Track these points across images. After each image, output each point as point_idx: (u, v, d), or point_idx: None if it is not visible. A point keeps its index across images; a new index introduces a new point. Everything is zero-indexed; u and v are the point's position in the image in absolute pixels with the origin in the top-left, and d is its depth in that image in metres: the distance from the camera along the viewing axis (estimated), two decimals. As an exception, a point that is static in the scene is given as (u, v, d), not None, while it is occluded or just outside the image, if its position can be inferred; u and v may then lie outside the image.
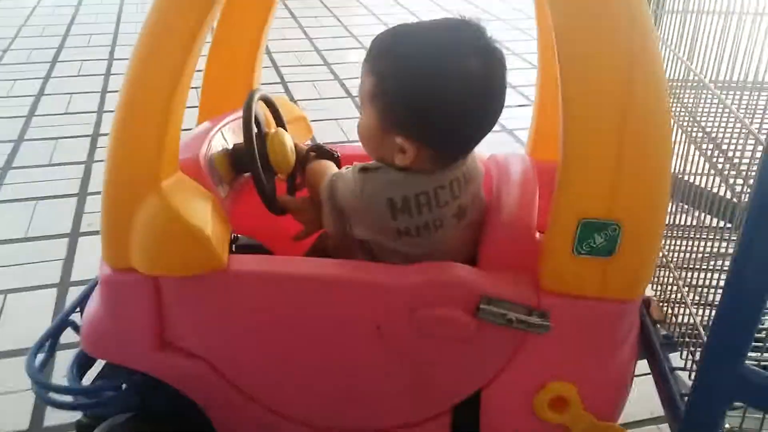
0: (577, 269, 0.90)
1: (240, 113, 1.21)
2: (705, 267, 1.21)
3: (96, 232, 1.96)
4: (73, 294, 1.71)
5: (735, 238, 0.86)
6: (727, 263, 1.09)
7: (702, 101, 1.23)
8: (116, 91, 2.91)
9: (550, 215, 0.92)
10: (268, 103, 1.18)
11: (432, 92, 0.91)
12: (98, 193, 2.16)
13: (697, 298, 1.11)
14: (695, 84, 1.21)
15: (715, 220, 1.29)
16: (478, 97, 0.93)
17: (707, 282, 1.11)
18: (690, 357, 1.00)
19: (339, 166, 1.15)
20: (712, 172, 1.05)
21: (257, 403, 1.02)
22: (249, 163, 1.07)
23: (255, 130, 1.08)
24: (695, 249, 1.17)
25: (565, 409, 0.96)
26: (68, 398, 1.09)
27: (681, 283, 1.11)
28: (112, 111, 2.73)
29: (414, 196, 0.95)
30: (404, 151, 0.94)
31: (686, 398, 0.94)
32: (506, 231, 0.98)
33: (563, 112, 0.84)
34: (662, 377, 1.01)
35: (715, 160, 1.06)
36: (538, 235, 0.97)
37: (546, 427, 0.97)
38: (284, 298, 0.96)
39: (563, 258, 0.89)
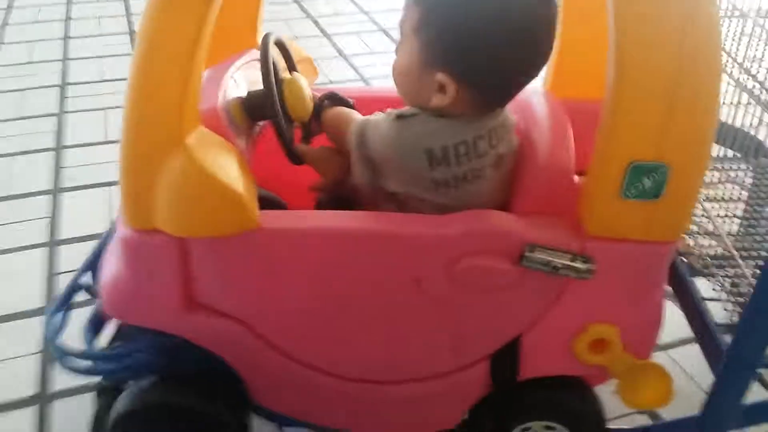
0: (624, 213, 0.88)
1: (250, 56, 1.15)
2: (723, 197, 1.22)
3: (79, 188, 1.88)
4: (64, 253, 1.65)
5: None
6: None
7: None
8: (78, 38, 2.89)
9: (593, 158, 0.90)
10: (281, 46, 1.12)
11: (482, 25, 0.87)
12: (75, 146, 2.12)
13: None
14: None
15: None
16: (529, 37, 0.89)
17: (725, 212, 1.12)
18: (722, 287, 1.01)
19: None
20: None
21: (294, 360, 0.99)
22: (268, 112, 1.02)
23: (272, 76, 1.02)
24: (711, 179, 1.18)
25: (605, 350, 0.96)
26: (88, 363, 1.05)
27: (706, 214, 1.12)
28: (76, 59, 2.66)
29: (453, 146, 0.92)
30: (444, 90, 0.90)
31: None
32: (544, 174, 0.95)
33: (616, 54, 0.81)
34: (696, 308, 1.02)
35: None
36: (576, 177, 0.96)
37: (585, 367, 0.98)
38: (320, 255, 0.93)
39: (610, 202, 0.88)
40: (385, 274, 0.94)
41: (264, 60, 1.02)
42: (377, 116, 0.97)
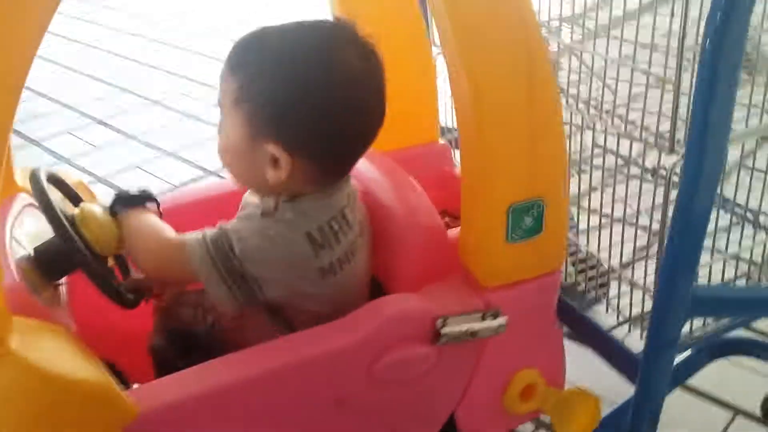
0: (513, 256, 0.87)
1: (20, 203, 0.95)
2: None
3: None
4: None
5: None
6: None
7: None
8: None
9: (466, 211, 0.88)
10: (51, 179, 0.90)
11: (304, 92, 0.81)
12: None
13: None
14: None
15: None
16: (354, 101, 0.84)
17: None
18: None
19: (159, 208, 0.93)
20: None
21: None
22: (74, 262, 0.83)
23: (62, 218, 0.82)
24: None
25: (533, 394, 0.94)
26: None
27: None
28: None
29: (327, 224, 0.85)
30: (278, 163, 0.83)
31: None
32: (419, 240, 0.91)
33: (473, 109, 0.80)
34: (596, 332, 1.05)
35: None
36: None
37: (520, 418, 0.95)
38: (223, 416, 0.78)
39: (498, 250, 0.86)
40: (302, 408, 0.82)
41: (44, 203, 0.82)
42: (230, 225, 0.85)
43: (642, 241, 1.05)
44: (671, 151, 0.87)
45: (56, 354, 0.70)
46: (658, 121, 0.89)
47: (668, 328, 0.88)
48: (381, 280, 0.99)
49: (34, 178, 0.85)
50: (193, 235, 0.85)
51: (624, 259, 1.05)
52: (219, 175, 2.17)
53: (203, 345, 0.98)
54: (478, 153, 0.82)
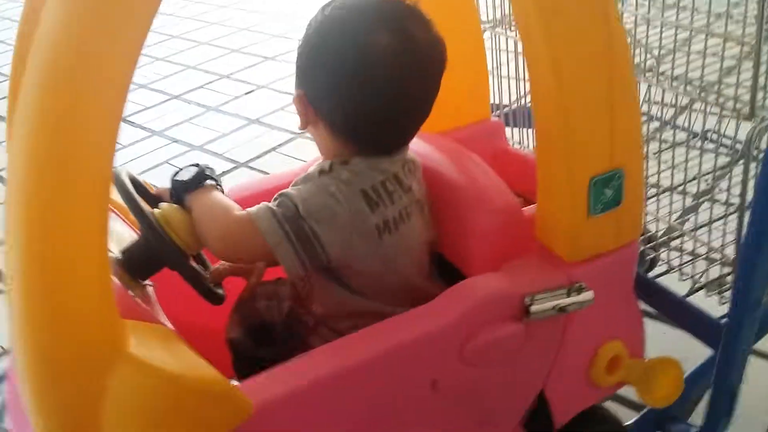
0: (595, 230, 0.87)
1: None
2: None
3: None
4: None
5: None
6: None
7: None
8: None
9: (544, 187, 0.88)
10: (131, 179, 0.89)
11: (328, 54, 0.86)
12: None
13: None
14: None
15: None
16: (386, 72, 0.84)
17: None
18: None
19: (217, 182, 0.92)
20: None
21: None
22: (163, 262, 0.84)
23: (153, 220, 0.83)
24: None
25: (618, 366, 0.94)
26: None
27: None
28: None
29: (381, 183, 0.87)
30: (307, 114, 0.89)
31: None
32: (499, 219, 0.91)
33: (554, 82, 0.79)
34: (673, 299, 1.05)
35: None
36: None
37: (607, 390, 0.95)
38: (328, 404, 0.78)
39: (580, 225, 0.86)
40: (400, 392, 0.82)
41: (134, 206, 0.82)
42: (290, 190, 0.87)
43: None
44: (751, 117, 0.86)
45: (169, 353, 0.70)
46: (737, 85, 0.88)
47: (753, 291, 0.88)
48: (453, 260, 0.98)
49: (118, 180, 0.85)
50: (255, 207, 0.86)
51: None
52: (249, 167, 2.17)
53: (281, 335, 0.99)
54: (558, 126, 0.81)
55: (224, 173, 2.15)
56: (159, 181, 0.93)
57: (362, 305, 0.90)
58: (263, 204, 0.85)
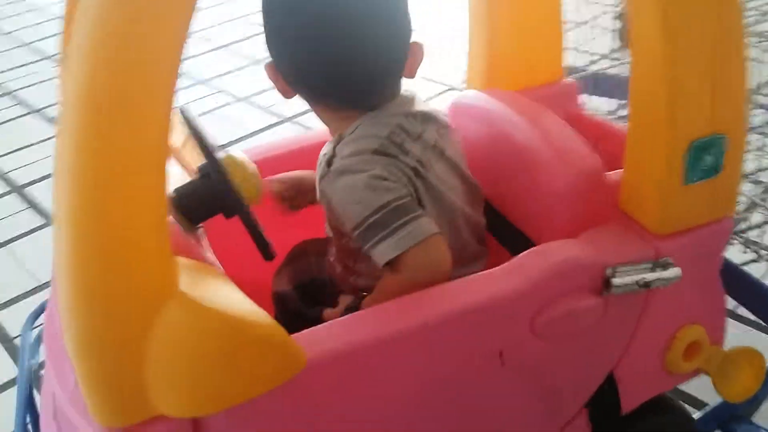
0: (688, 200, 0.79)
1: None
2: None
3: None
4: None
5: None
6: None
7: None
8: None
9: (636, 152, 0.80)
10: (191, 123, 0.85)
11: (274, 15, 0.82)
12: None
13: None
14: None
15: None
16: (311, 21, 0.79)
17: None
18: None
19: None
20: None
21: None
22: (220, 206, 0.79)
23: (219, 160, 0.79)
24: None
25: (697, 352, 0.86)
26: None
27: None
28: None
29: (387, 137, 0.82)
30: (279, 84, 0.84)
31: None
32: (579, 181, 0.82)
33: (657, 34, 0.71)
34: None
35: None
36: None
37: (681, 377, 0.88)
38: (385, 367, 0.72)
39: (674, 194, 0.78)
40: (464, 359, 0.75)
41: (202, 142, 0.78)
42: (351, 214, 0.80)
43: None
44: None
45: (224, 296, 0.64)
46: None
47: None
48: (522, 226, 0.91)
49: (187, 117, 0.80)
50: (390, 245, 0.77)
51: None
52: (294, 122, 2.10)
53: (330, 293, 0.93)
54: (660, 82, 0.73)
55: (269, 127, 2.09)
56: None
57: None
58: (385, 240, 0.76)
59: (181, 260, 0.66)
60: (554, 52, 1.11)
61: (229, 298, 0.66)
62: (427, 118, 0.87)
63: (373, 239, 0.76)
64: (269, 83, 0.87)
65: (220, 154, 0.82)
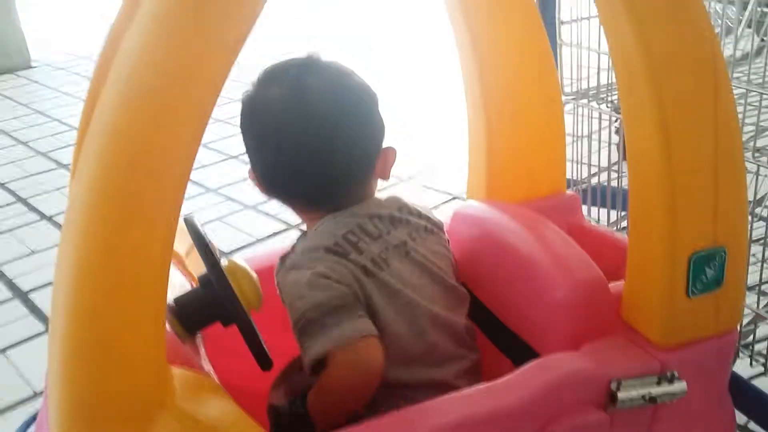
0: (692, 312, 0.78)
1: None
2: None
3: None
4: None
5: None
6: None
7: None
8: None
9: (638, 263, 0.80)
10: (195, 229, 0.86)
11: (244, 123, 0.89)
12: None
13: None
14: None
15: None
16: (272, 125, 0.85)
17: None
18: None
19: None
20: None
21: None
22: (218, 315, 0.79)
23: (222, 268, 0.80)
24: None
25: (707, 472, 0.83)
26: None
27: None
28: None
29: (342, 236, 0.85)
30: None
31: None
32: (580, 294, 0.82)
33: (658, 148, 0.72)
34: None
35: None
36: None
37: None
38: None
39: (677, 305, 0.77)
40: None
41: (205, 251, 0.79)
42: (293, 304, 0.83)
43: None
44: None
45: (219, 409, 0.63)
46: None
47: None
48: (524, 335, 0.90)
49: (191, 224, 0.82)
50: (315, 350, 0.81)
51: None
52: (300, 229, 2.12)
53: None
54: (661, 194, 0.74)
55: (275, 234, 2.11)
56: (210, 236, 0.92)
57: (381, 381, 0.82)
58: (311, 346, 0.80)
59: (176, 370, 0.65)
60: (556, 164, 1.13)
61: (224, 412, 0.64)
62: (397, 221, 0.90)
63: (306, 335, 0.79)
64: None
65: (223, 262, 0.82)
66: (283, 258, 0.87)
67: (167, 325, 0.72)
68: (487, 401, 0.73)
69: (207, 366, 0.77)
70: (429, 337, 0.85)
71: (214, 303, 0.79)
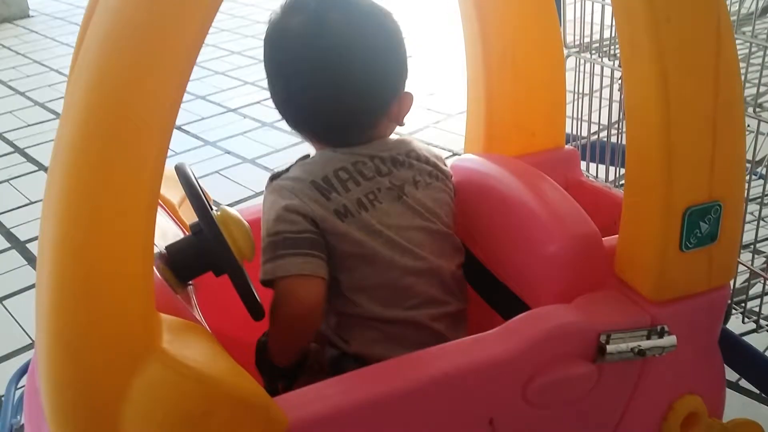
0: (685, 267, 0.78)
1: None
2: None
3: None
4: None
5: None
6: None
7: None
8: None
9: (633, 216, 0.79)
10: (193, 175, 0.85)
11: (264, 49, 0.88)
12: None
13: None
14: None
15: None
16: (289, 59, 0.84)
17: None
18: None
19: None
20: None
21: None
22: (211, 263, 0.79)
23: (213, 216, 0.79)
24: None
25: (694, 425, 0.83)
26: None
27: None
28: None
29: (333, 173, 0.85)
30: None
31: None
32: (575, 247, 0.82)
33: (655, 99, 0.71)
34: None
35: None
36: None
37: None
38: (366, 430, 0.70)
39: (670, 260, 0.77)
40: (452, 425, 0.73)
41: (196, 198, 0.78)
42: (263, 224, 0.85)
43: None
44: None
45: (207, 355, 0.62)
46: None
47: None
48: (517, 289, 0.90)
49: (182, 172, 0.81)
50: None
51: None
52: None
53: (315, 357, 0.91)
54: (657, 147, 0.73)
55: (273, 188, 2.11)
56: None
57: (357, 311, 0.85)
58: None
59: (165, 317, 0.65)
60: (555, 119, 1.11)
61: (212, 358, 0.64)
62: (400, 164, 0.89)
63: (264, 255, 0.82)
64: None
65: (214, 211, 0.82)
66: (275, 176, 0.88)
67: (158, 274, 0.72)
68: (474, 352, 0.73)
69: (198, 315, 0.77)
70: (404, 280, 0.85)
71: (205, 252, 0.78)
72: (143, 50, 0.56)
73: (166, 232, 0.87)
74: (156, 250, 0.80)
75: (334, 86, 0.84)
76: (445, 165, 0.96)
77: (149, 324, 0.60)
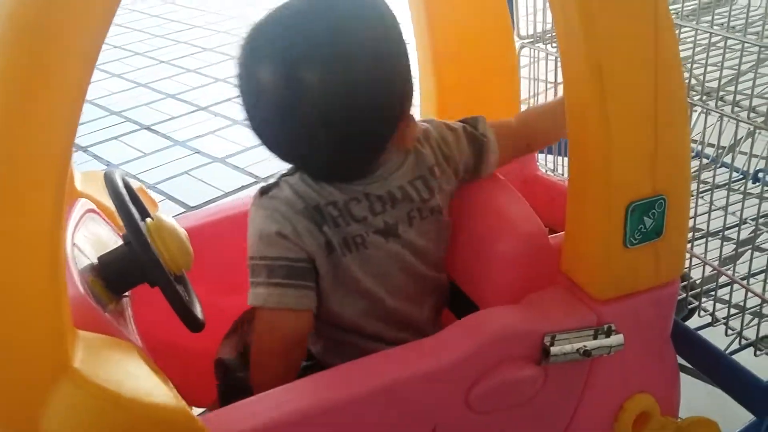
0: (630, 264, 0.76)
1: (82, 208, 0.86)
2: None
3: None
4: None
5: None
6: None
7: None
8: None
9: (575, 213, 0.77)
10: (125, 183, 0.81)
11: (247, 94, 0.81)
12: None
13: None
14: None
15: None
16: (285, 104, 0.76)
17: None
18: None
19: None
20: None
21: None
22: (145, 275, 0.76)
23: (141, 226, 0.75)
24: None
25: (647, 423, 0.82)
26: None
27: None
28: None
29: (325, 205, 0.79)
30: None
31: None
32: (520, 246, 0.80)
33: (593, 93, 0.69)
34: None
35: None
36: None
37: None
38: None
39: (614, 257, 0.75)
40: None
41: (122, 207, 0.75)
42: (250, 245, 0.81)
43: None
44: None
45: (127, 373, 0.60)
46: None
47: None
48: (467, 290, 0.88)
49: (109, 179, 0.77)
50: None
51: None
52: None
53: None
54: (596, 141, 0.71)
55: (244, 187, 2.08)
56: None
57: (338, 335, 0.83)
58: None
59: (85, 334, 0.62)
60: (510, 112, 1.09)
61: (133, 377, 0.62)
62: (398, 201, 0.82)
63: (252, 276, 0.79)
64: (246, 144, 0.85)
65: (147, 220, 0.79)
66: (265, 190, 0.82)
67: (84, 287, 0.69)
68: (415, 362, 0.71)
69: (131, 330, 0.75)
70: (376, 324, 0.82)
71: (135, 264, 0.75)
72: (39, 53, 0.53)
73: (105, 242, 0.84)
74: (87, 261, 0.77)
75: (322, 123, 0.75)
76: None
77: (61, 342, 0.58)
